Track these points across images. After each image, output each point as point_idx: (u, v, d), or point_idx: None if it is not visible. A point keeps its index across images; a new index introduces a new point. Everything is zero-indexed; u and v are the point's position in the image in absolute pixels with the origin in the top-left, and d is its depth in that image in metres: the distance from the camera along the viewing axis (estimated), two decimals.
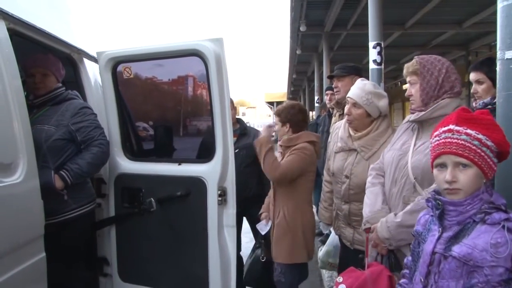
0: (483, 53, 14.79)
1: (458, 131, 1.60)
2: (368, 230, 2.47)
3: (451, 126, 1.62)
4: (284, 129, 3.42)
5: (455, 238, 1.58)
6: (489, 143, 1.59)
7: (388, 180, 2.41)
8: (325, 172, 3.30)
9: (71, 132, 2.95)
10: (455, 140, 1.59)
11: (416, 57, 2.37)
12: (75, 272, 2.99)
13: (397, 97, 19.88)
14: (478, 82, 3.08)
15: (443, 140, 1.62)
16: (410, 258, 1.87)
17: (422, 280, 1.67)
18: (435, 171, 1.67)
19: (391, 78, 23.80)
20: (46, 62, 3.08)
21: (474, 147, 1.57)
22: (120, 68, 3.33)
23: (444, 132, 1.63)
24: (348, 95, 2.92)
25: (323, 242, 4.70)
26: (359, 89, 2.87)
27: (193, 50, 2.99)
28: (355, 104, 2.84)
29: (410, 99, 2.36)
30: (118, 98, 3.38)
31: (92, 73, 3.55)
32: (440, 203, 1.64)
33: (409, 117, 2.42)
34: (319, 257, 3.64)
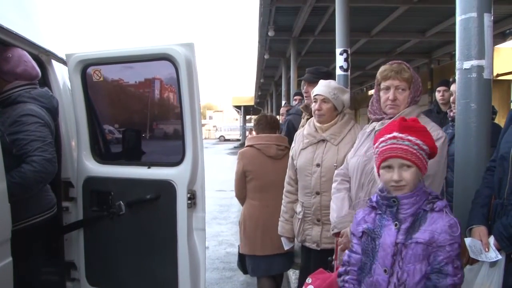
0: (445, 61, 15.31)
1: (401, 138, 1.90)
2: (337, 235, 2.56)
3: (395, 134, 1.91)
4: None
5: (412, 228, 1.88)
6: (424, 147, 1.91)
7: (354, 185, 2.50)
8: (286, 184, 3.32)
9: (6, 143, 2.53)
10: (400, 146, 1.90)
11: (402, 62, 2.39)
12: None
13: (363, 102, 20.23)
14: None
15: (389, 146, 1.92)
16: (353, 255, 2.07)
17: (388, 269, 1.88)
18: (382, 171, 1.96)
19: (357, 84, 24.24)
20: None
21: (414, 151, 1.89)
22: (89, 70, 3.31)
23: (390, 138, 1.92)
24: (316, 93, 3.05)
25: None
26: (325, 86, 3.04)
27: (164, 55, 3.00)
28: (324, 100, 3.01)
29: (393, 103, 2.34)
30: (87, 101, 3.35)
31: (61, 75, 3.51)
32: (395, 200, 1.91)
33: (374, 125, 2.49)
34: None
